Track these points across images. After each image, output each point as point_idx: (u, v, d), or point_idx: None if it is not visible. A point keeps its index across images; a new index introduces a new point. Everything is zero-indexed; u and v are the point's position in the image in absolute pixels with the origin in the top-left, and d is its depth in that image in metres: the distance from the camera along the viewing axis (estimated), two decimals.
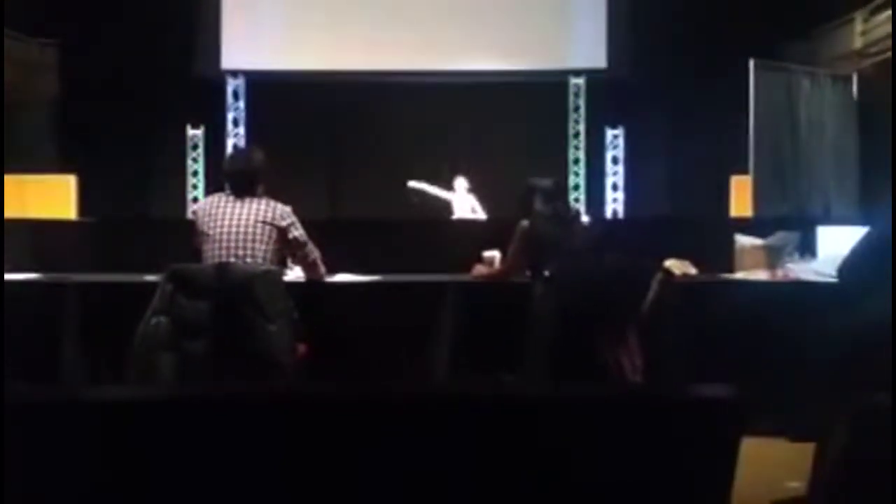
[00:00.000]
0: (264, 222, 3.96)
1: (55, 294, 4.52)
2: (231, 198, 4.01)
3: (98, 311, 4.46)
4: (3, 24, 7.93)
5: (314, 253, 4.18)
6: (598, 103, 10.50)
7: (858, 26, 8.81)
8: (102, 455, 1.24)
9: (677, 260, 4.90)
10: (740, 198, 8.47)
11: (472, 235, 6.15)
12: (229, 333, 3.74)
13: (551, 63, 10.41)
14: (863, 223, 4.08)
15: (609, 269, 4.13)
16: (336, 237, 4.95)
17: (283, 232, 4.00)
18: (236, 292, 3.75)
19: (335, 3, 10.35)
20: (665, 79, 9.86)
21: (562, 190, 4.81)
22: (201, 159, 10.40)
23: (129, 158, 9.85)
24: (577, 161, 10.57)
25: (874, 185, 8.14)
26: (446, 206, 8.74)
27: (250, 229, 3.93)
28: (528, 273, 4.42)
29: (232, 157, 5.14)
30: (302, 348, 3.97)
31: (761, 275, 4.89)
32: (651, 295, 4.16)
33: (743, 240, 5.13)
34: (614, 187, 10.57)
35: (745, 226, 5.74)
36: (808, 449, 2.59)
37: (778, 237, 5.11)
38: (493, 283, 4.63)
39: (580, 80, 10.55)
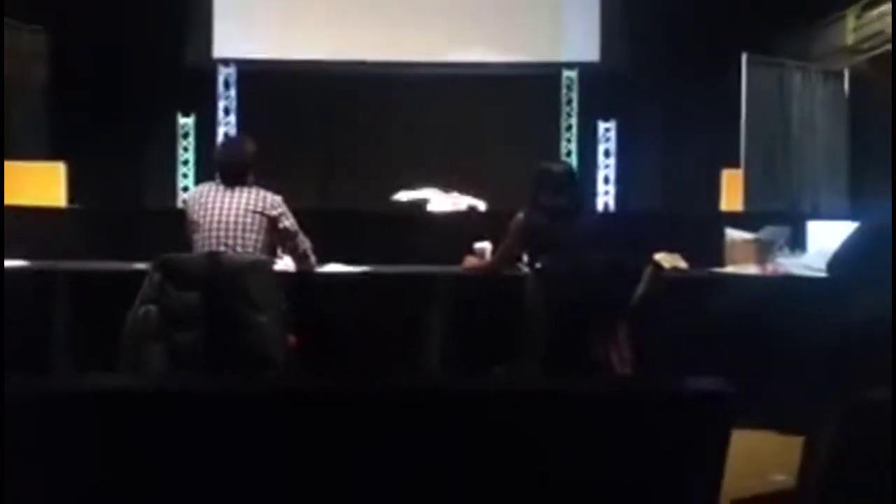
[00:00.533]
0: (255, 212, 3.95)
1: (44, 282, 4.50)
2: (221, 187, 4.00)
3: (87, 299, 4.45)
4: (3, 15, 7.91)
5: (305, 243, 4.17)
6: (591, 96, 10.49)
7: (851, 22, 8.82)
8: (92, 446, 1.23)
9: (667, 253, 4.91)
10: (731, 192, 8.48)
11: (465, 227, 6.14)
12: (218, 324, 3.73)
13: (544, 56, 10.39)
14: (852, 219, 4.10)
15: (599, 262, 4.13)
16: (327, 228, 4.94)
17: (273, 221, 3.99)
18: (226, 283, 3.74)
19: None
20: (658, 73, 9.86)
21: (573, 178, 4.63)
22: (192, 148, 10.36)
23: (119, 146, 9.79)
24: (569, 154, 10.57)
25: (864, 180, 8.17)
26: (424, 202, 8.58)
27: (241, 219, 3.92)
28: (522, 266, 4.42)
29: (223, 146, 5.13)
30: (292, 339, 3.97)
31: (751, 269, 4.90)
32: (641, 288, 4.17)
33: (733, 234, 5.14)
34: (606, 180, 10.57)
35: (736, 220, 5.75)
36: (795, 442, 2.60)
37: (768, 231, 5.12)
38: (483, 276, 4.62)
39: (573, 73, 10.53)
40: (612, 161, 10.57)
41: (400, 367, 4.48)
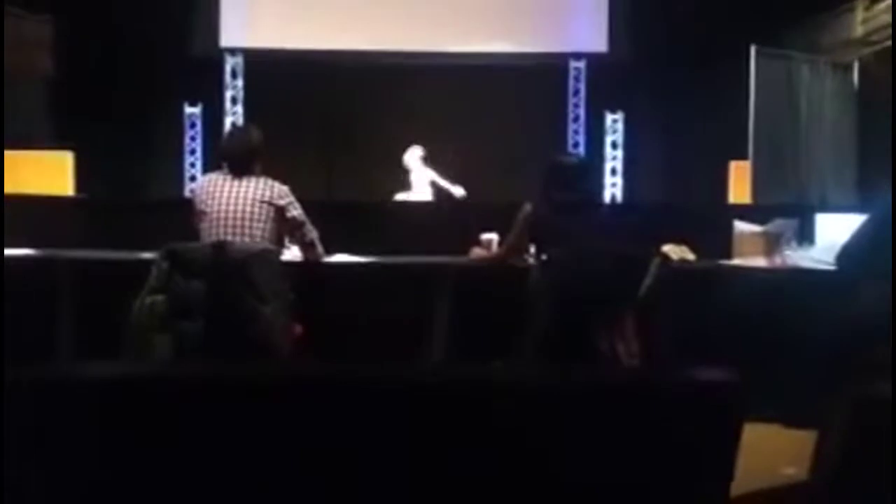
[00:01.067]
0: (262, 201, 3.94)
1: (51, 270, 4.51)
2: (229, 177, 4.00)
3: (94, 288, 4.45)
4: (3, 4, 7.89)
5: (312, 233, 4.17)
6: (599, 87, 10.46)
7: (860, 14, 8.77)
8: (95, 434, 1.23)
9: (675, 245, 4.90)
10: (739, 184, 8.46)
11: (472, 217, 6.13)
12: (224, 314, 3.73)
13: (552, 46, 10.36)
14: (861, 211, 4.08)
15: (606, 254, 4.12)
16: (333, 217, 4.94)
17: (281, 211, 3.99)
18: (232, 272, 3.74)
19: None
20: (666, 64, 9.82)
21: (585, 171, 4.60)
22: (199, 137, 10.36)
23: (126, 135, 9.79)
24: (576, 145, 10.54)
25: (872, 173, 8.13)
26: (403, 183, 8.57)
27: (248, 208, 3.92)
28: (529, 257, 4.41)
29: (230, 135, 5.12)
30: (298, 329, 3.97)
31: (759, 261, 4.89)
32: (648, 280, 4.16)
33: (741, 226, 5.12)
34: (613, 172, 10.55)
35: (744, 212, 5.73)
36: (804, 435, 2.59)
37: (776, 224, 5.10)
38: (490, 266, 4.62)
39: (580, 64, 10.50)
40: (619, 152, 10.54)
41: (405, 356, 4.49)
